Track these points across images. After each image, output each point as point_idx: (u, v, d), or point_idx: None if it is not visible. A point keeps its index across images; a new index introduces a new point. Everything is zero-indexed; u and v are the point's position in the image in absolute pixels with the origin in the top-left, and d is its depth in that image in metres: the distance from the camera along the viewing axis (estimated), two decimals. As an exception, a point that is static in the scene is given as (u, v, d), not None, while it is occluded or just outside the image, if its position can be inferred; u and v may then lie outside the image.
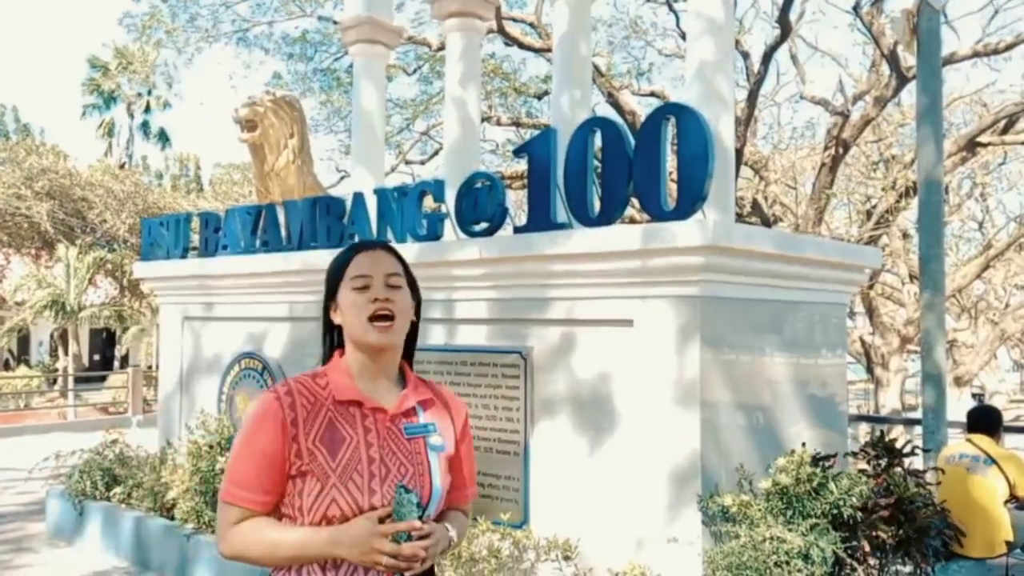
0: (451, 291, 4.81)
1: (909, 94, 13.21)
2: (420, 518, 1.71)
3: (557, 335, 4.40)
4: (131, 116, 36.15)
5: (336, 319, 1.86)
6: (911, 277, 15.78)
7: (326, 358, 1.90)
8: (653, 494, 3.96)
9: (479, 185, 4.76)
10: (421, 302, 1.94)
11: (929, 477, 4.28)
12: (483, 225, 4.70)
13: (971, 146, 13.46)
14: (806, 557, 3.48)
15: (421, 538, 1.69)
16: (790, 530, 3.56)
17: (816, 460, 3.81)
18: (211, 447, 5.51)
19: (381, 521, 1.70)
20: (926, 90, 6.38)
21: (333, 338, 1.90)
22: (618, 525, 4.09)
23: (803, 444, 3.96)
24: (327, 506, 1.72)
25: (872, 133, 15.44)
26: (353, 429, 1.77)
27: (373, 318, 1.79)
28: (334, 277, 1.87)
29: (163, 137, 36.91)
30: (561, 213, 4.41)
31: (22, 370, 22.10)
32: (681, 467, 3.88)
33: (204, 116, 72.05)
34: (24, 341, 26.84)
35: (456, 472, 1.93)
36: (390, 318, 1.80)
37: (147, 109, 36.12)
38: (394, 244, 4.68)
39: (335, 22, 14.33)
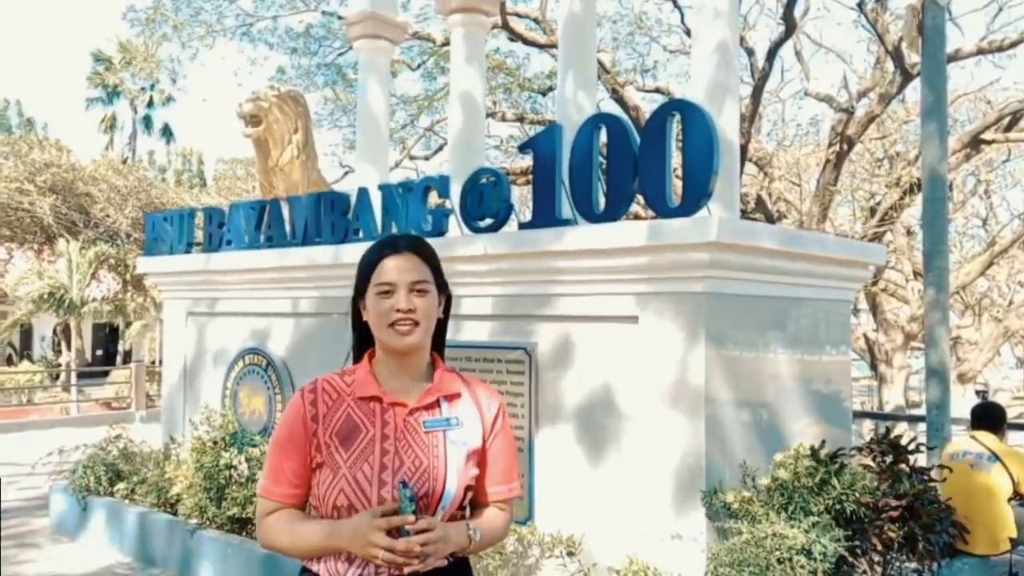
0: (456, 287, 4.74)
1: (913, 91, 13.20)
2: (414, 513, 1.70)
3: (562, 331, 4.39)
4: (134, 111, 36.24)
5: (365, 316, 1.88)
6: (915, 274, 15.77)
7: (357, 355, 1.93)
8: (657, 490, 3.95)
9: (484, 181, 4.76)
10: (451, 299, 1.98)
11: (935, 475, 4.26)
12: (488, 221, 4.70)
13: (975, 143, 13.45)
14: (808, 553, 3.48)
15: (418, 534, 1.69)
16: (792, 526, 3.55)
17: (814, 453, 3.80)
18: (215, 442, 5.51)
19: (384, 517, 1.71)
20: (931, 87, 6.36)
21: (362, 335, 1.91)
22: (622, 521, 4.09)
23: (811, 446, 3.95)
24: (336, 495, 1.77)
25: (876, 130, 15.42)
26: (371, 423, 1.81)
27: (394, 324, 1.81)
28: (362, 277, 1.88)
29: (166, 132, 36.99)
30: (566, 209, 4.41)
31: (25, 365, 22.12)
32: (685, 463, 3.88)
33: (208, 111, 72.04)
34: (27, 336, 26.86)
35: (487, 467, 1.92)
36: (413, 324, 1.82)
37: (150, 104, 36.19)
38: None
39: (339, 17, 14.33)
